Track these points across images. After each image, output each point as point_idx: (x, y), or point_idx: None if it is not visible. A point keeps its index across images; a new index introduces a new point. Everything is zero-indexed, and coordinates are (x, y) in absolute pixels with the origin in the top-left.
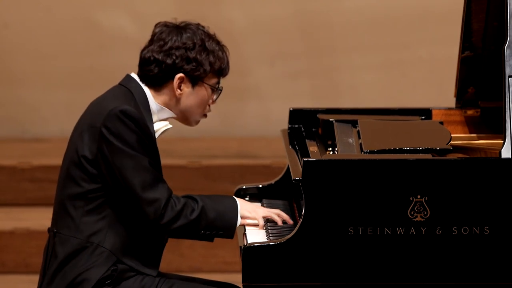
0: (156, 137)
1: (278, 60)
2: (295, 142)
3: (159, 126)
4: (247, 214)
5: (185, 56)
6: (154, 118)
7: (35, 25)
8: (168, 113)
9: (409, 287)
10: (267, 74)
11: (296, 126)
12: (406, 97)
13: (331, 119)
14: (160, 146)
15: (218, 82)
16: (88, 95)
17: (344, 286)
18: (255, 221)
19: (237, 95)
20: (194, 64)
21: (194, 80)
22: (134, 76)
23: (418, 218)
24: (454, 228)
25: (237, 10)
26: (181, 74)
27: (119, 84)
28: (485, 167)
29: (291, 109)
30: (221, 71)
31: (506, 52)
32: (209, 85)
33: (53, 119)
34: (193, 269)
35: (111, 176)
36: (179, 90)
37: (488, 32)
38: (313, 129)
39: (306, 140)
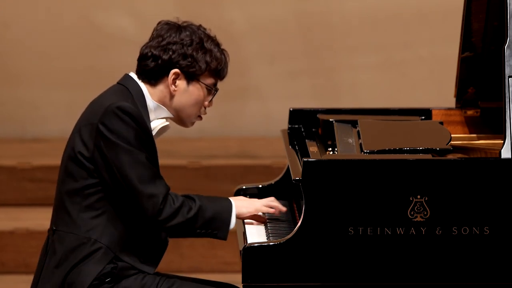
0: (153, 134)
1: (278, 60)
2: (295, 142)
3: (156, 124)
4: (244, 210)
5: (182, 52)
6: (152, 116)
7: (35, 25)
8: (165, 112)
9: (409, 287)
10: (267, 74)
11: (296, 126)
12: (406, 97)
13: (331, 119)
14: (160, 146)
15: (215, 84)
16: (88, 95)
17: (344, 286)
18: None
19: (237, 95)
20: (190, 60)
21: (190, 77)
22: (132, 75)
23: (418, 218)
24: (454, 228)
25: (237, 10)
26: (176, 70)
27: (117, 83)
28: (485, 167)
29: (291, 109)
30: (218, 72)
31: (506, 52)
32: (205, 84)
33: (53, 119)
34: (193, 269)
35: (109, 172)
36: (173, 86)
37: (488, 32)
38: (313, 129)
39: (306, 140)
